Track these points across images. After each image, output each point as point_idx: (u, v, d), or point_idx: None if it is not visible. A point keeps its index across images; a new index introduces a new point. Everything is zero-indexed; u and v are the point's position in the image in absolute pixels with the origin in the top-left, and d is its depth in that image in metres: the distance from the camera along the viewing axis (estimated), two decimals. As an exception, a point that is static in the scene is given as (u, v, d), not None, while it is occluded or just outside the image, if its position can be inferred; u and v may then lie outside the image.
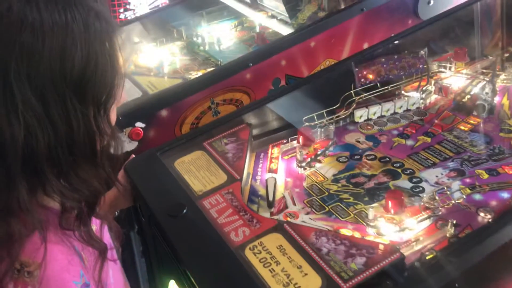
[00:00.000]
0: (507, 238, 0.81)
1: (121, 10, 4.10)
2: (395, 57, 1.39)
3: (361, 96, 1.38)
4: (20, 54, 0.64)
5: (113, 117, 0.79)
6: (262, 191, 1.13)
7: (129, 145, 1.40)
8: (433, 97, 1.46)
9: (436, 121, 1.37)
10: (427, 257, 0.82)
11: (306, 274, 0.82)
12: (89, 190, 0.73)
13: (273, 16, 2.04)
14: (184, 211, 0.97)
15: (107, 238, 0.89)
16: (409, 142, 1.30)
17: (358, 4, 1.67)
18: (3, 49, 0.64)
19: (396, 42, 1.44)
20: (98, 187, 0.75)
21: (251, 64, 1.50)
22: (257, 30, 2.10)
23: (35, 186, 0.69)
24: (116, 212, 1.36)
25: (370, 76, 1.38)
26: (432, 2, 1.77)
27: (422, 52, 1.40)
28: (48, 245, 0.70)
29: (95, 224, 0.85)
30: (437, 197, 1.02)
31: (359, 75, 1.37)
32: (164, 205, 1.00)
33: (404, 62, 1.39)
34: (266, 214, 1.05)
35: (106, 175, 0.77)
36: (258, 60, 1.52)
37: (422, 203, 1.03)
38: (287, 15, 1.90)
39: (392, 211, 1.00)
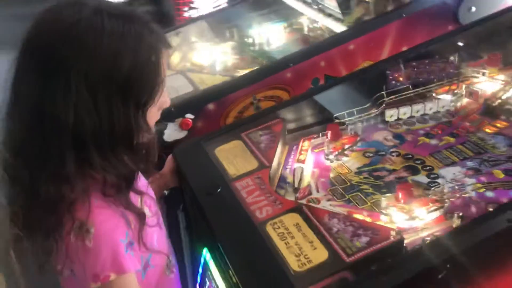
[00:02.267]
0: (499, 227, 0.90)
1: (186, 8, 4.35)
2: (426, 61, 1.47)
3: (391, 97, 1.48)
4: (81, 55, 0.79)
5: (154, 118, 0.94)
6: (290, 179, 1.27)
7: (179, 134, 1.58)
8: (464, 101, 1.53)
9: (463, 123, 1.44)
10: (427, 242, 0.93)
11: (315, 248, 0.96)
12: (125, 168, 0.87)
13: (330, 15, 2.16)
14: (219, 190, 1.13)
15: (153, 207, 1.05)
16: (434, 142, 1.38)
17: (399, 10, 1.75)
18: (69, 50, 0.79)
19: (429, 47, 1.52)
20: (132, 167, 0.88)
21: (291, 64, 1.63)
22: (306, 31, 2.23)
23: (83, 160, 0.83)
24: (166, 192, 1.55)
25: (401, 79, 1.47)
26: (473, 9, 1.82)
27: (452, 57, 1.47)
28: (99, 209, 0.86)
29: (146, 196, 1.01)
30: (445, 190, 1.11)
31: (391, 77, 1.46)
32: (203, 185, 1.17)
33: (435, 66, 1.47)
34: (291, 199, 1.19)
35: (142, 161, 0.91)
36: (299, 60, 1.66)
37: (430, 195, 1.12)
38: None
39: (402, 201, 1.10)
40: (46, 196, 0.81)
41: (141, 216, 0.91)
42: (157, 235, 1.02)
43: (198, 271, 1.17)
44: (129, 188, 0.90)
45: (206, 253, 1.11)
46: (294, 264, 0.93)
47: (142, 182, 1.01)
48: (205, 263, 1.12)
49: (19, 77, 0.82)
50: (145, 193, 0.98)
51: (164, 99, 0.94)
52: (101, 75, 0.80)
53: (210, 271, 1.09)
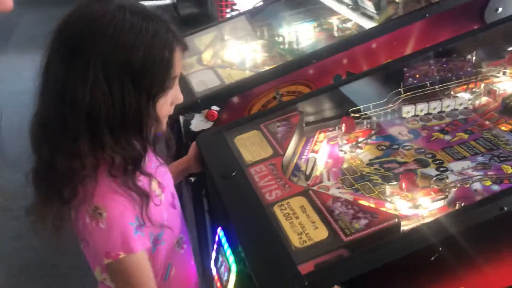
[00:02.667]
0: (491, 214, 0.94)
1: (228, 10, 4.48)
2: (443, 59, 1.51)
3: (408, 93, 1.52)
4: (101, 44, 0.89)
5: (166, 110, 1.01)
6: (304, 168, 1.35)
7: (205, 124, 1.69)
8: (483, 99, 1.55)
9: (479, 121, 1.47)
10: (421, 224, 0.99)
11: (317, 228, 1.03)
12: (133, 152, 0.95)
13: (364, 14, 2.22)
14: (234, 174, 1.22)
15: (169, 189, 1.15)
16: (447, 137, 1.42)
17: (422, 10, 1.79)
18: (92, 37, 0.89)
19: (448, 45, 1.56)
20: (140, 151, 0.96)
21: (314, 60, 1.70)
22: (335, 31, 2.30)
23: (96, 141, 0.92)
24: (192, 179, 1.66)
25: (418, 76, 1.51)
26: (500, 9, 1.83)
27: (469, 56, 1.50)
28: (112, 194, 0.95)
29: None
30: (447, 180, 1.16)
31: (407, 74, 1.51)
32: (220, 170, 1.26)
33: (452, 65, 1.50)
34: (303, 185, 1.26)
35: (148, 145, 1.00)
36: (322, 57, 1.73)
37: (433, 185, 1.17)
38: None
39: (404, 188, 1.16)
40: (61, 169, 0.92)
41: (144, 197, 0.98)
42: (167, 213, 1.11)
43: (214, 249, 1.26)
44: (135, 170, 0.97)
45: (220, 231, 1.20)
46: (296, 241, 1.01)
47: (160, 169, 1.11)
48: (219, 240, 1.21)
49: (49, 60, 0.94)
50: (154, 176, 1.05)
51: (177, 95, 1.03)
52: (117, 63, 0.89)
53: (223, 247, 1.18)
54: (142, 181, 1.01)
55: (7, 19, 6.57)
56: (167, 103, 1.01)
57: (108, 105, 0.90)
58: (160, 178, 1.10)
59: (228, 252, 1.14)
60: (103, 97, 0.89)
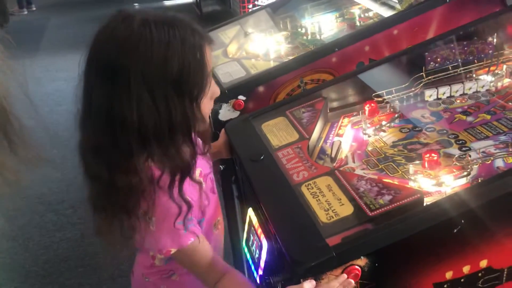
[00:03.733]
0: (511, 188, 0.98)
1: (250, 5, 4.56)
2: (465, 43, 1.54)
3: (430, 77, 1.55)
4: (137, 60, 0.92)
5: (208, 107, 1.06)
6: (329, 151, 1.40)
7: (233, 114, 1.75)
8: (506, 81, 1.58)
9: (501, 102, 1.49)
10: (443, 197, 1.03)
11: (342, 204, 1.08)
12: (181, 161, 0.99)
13: (384, 3, 2.25)
14: (262, 158, 1.28)
15: (210, 175, 1.20)
16: (469, 119, 1.45)
17: (443, -5, 1.81)
18: (126, 57, 0.93)
19: (469, 28, 1.58)
20: (188, 160, 1.00)
21: (337, 49, 1.75)
22: (357, 21, 2.33)
23: (147, 154, 0.97)
24: (221, 167, 1.73)
25: (439, 60, 1.55)
26: (522, -8, 1.83)
27: (490, 38, 1.52)
28: (159, 199, 1.00)
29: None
30: (469, 158, 1.19)
31: (429, 58, 1.54)
32: (249, 154, 1.32)
33: (473, 48, 1.53)
34: (329, 166, 1.32)
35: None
36: (344, 45, 1.77)
37: (455, 163, 1.21)
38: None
39: (427, 166, 1.20)
40: (122, 188, 0.97)
41: (188, 206, 1.02)
42: (208, 199, 1.17)
43: (244, 229, 1.33)
44: (182, 182, 1.01)
45: (250, 212, 1.27)
46: (323, 217, 1.06)
47: (200, 158, 1.14)
48: (250, 220, 1.27)
49: (88, 90, 0.97)
50: (202, 182, 1.11)
51: (214, 89, 1.07)
52: (155, 76, 0.93)
53: (253, 227, 1.24)
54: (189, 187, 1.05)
55: (37, 22, 6.80)
56: (208, 100, 1.05)
57: (155, 118, 0.94)
58: (201, 167, 1.16)
59: (259, 230, 1.20)
60: (150, 111, 0.93)
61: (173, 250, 1.05)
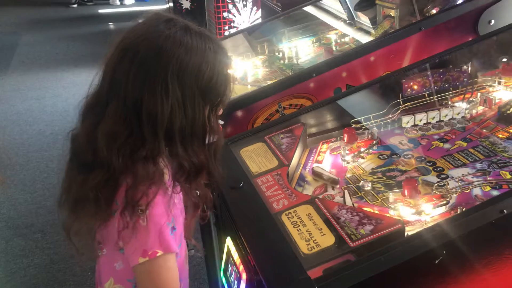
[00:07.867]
0: (492, 217, 0.98)
1: (226, 27, 4.58)
2: (440, 70, 1.56)
3: (407, 104, 1.57)
4: (176, 62, 0.98)
5: (217, 120, 1.10)
6: (308, 178, 1.38)
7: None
8: (480, 108, 1.60)
9: (476, 129, 1.52)
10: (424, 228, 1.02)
11: (324, 234, 1.06)
12: (197, 159, 1.03)
13: (360, 29, 2.30)
14: (241, 185, 1.26)
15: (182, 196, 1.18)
16: (446, 146, 1.46)
17: (418, 23, 1.85)
18: (167, 55, 0.97)
19: (444, 57, 1.61)
20: (203, 160, 1.05)
21: (314, 74, 1.75)
22: (333, 46, 2.35)
23: (168, 148, 1.01)
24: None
25: (416, 87, 1.57)
26: (493, 22, 1.89)
27: (465, 66, 1.55)
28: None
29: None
30: (448, 186, 1.20)
31: (406, 85, 1.56)
32: (228, 181, 1.29)
33: (449, 75, 1.56)
34: (309, 194, 1.30)
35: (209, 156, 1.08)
36: (322, 71, 1.78)
37: (435, 191, 1.21)
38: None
39: (407, 194, 1.20)
40: (141, 175, 0.97)
41: (196, 205, 1.07)
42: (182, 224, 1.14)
43: (222, 259, 1.29)
44: (197, 177, 1.05)
45: (229, 241, 1.23)
46: (304, 247, 1.04)
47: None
48: (228, 250, 1.24)
49: (115, 78, 0.99)
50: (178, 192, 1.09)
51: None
52: (188, 79, 0.99)
53: (232, 257, 1.21)
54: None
55: (7, 40, 6.66)
56: (219, 112, 1.10)
57: (181, 117, 0.98)
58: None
59: (238, 261, 1.17)
60: (179, 110, 0.98)
61: (159, 253, 1.00)
